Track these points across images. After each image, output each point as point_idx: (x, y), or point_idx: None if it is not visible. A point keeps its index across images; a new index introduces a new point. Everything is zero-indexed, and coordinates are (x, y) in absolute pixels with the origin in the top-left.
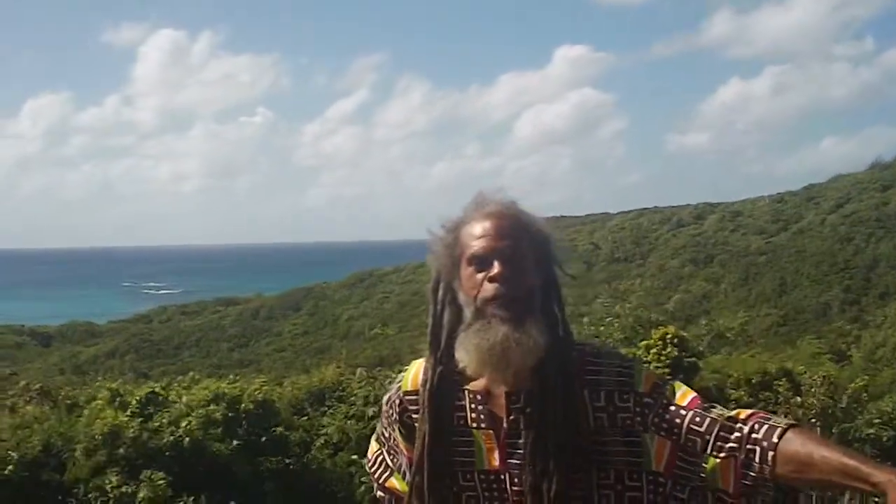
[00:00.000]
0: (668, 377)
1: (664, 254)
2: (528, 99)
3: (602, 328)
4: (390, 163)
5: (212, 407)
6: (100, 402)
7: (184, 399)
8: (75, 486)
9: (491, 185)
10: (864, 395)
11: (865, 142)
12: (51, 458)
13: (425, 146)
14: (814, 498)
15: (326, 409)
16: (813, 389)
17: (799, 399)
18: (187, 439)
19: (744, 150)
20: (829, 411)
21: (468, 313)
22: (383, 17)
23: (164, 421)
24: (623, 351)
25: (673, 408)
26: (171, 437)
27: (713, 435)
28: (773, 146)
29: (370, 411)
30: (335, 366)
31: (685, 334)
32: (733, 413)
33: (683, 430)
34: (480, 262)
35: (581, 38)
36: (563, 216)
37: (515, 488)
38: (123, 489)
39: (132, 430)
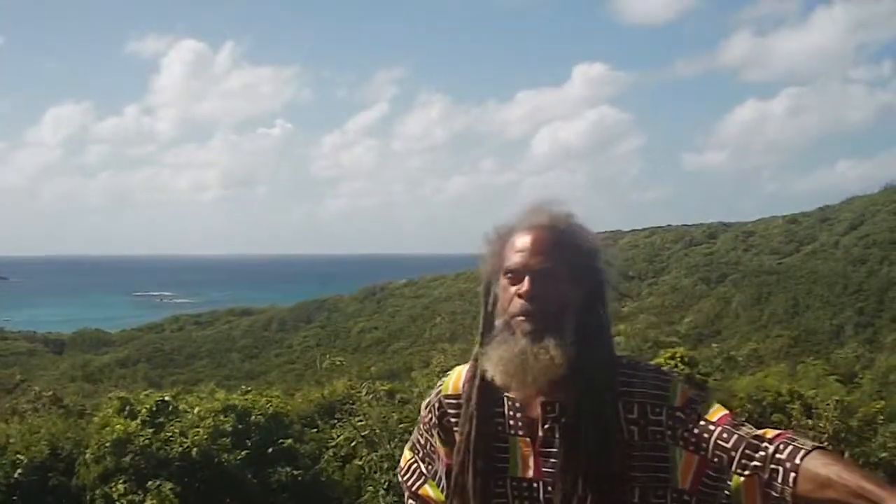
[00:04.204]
0: (705, 395)
1: (676, 272)
2: (546, 116)
3: None
4: (407, 176)
5: (221, 417)
6: (109, 409)
7: (195, 409)
8: (82, 493)
9: (547, 194)
10: (881, 418)
11: (881, 164)
12: (59, 463)
13: (442, 160)
14: None
15: (336, 421)
16: (826, 413)
17: (810, 422)
18: (195, 449)
19: (759, 170)
20: (842, 435)
21: (499, 324)
22: (404, 31)
23: (175, 431)
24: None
25: (702, 423)
26: (180, 448)
27: (739, 452)
28: (788, 167)
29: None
30: (346, 379)
31: (695, 354)
32: (760, 432)
33: (710, 446)
34: (513, 275)
35: (600, 57)
36: None
37: (548, 497)
38: (131, 497)
39: (143, 439)
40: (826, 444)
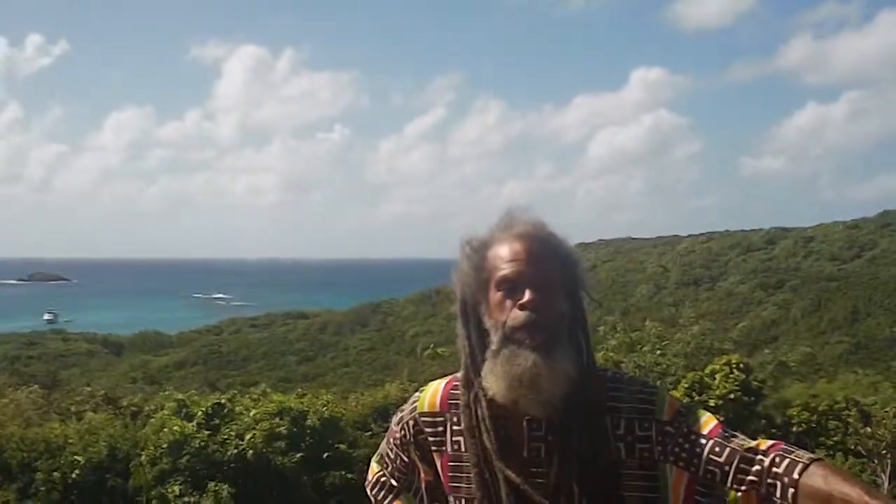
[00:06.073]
0: (694, 404)
1: (734, 278)
2: (603, 120)
3: (662, 354)
4: (462, 181)
5: (276, 420)
6: (166, 411)
7: (251, 413)
8: (139, 493)
9: (520, 204)
10: None
11: None
12: (116, 464)
13: (497, 165)
14: None
15: (390, 425)
16: (885, 421)
17: (869, 430)
18: (251, 452)
19: (818, 175)
20: None
21: (495, 339)
22: (462, 37)
23: (230, 433)
24: (689, 375)
25: (693, 437)
26: (236, 450)
27: (733, 466)
28: (849, 172)
29: None
30: (398, 383)
31: (750, 361)
32: (754, 444)
33: (703, 461)
34: (510, 286)
35: (658, 61)
36: (632, 238)
37: None
38: (186, 499)
39: (199, 441)
40: (885, 452)
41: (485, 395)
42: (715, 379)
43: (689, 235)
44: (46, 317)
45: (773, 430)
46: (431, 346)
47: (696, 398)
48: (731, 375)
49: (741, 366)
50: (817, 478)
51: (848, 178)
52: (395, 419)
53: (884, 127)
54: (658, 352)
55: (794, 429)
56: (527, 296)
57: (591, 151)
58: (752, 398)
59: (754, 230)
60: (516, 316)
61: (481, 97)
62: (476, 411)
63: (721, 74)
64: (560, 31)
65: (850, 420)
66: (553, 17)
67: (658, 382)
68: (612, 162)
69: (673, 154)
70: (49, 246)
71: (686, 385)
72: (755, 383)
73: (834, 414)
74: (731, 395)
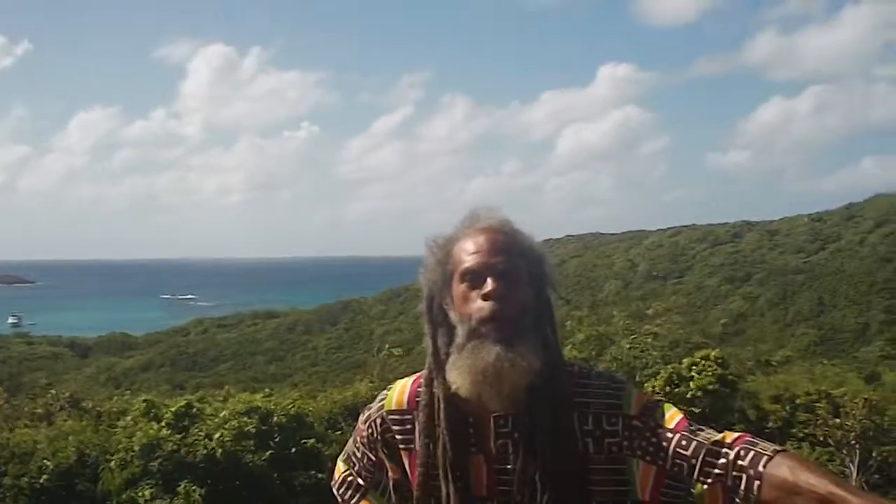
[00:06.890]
0: (661, 399)
1: (701, 272)
2: (570, 116)
3: (634, 348)
4: (430, 178)
5: (244, 419)
6: (135, 413)
7: (221, 413)
8: (108, 498)
9: (487, 203)
10: None
11: None
12: (85, 469)
13: (466, 162)
14: None
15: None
16: (854, 412)
17: (838, 420)
18: (220, 451)
19: (784, 168)
20: (870, 433)
21: (461, 332)
22: (429, 34)
23: (199, 434)
24: (668, 368)
25: (660, 431)
26: (205, 450)
27: (699, 460)
28: (813, 165)
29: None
30: (368, 380)
31: (724, 355)
32: (720, 437)
33: (670, 455)
34: (474, 277)
35: (625, 57)
36: (600, 233)
37: None
38: (157, 502)
39: (171, 444)
40: (854, 443)
41: (445, 395)
42: (692, 371)
43: (657, 230)
44: (10, 320)
45: (747, 424)
46: (387, 346)
47: (674, 390)
48: (708, 370)
49: (719, 361)
50: (783, 468)
51: (812, 171)
52: (361, 417)
53: (847, 120)
54: (629, 346)
55: (770, 424)
56: (489, 285)
57: (559, 147)
58: (729, 391)
59: (720, 224)
60: (482, 307)
61: (448, 94)
62: (437, 411)
63: (688, 70)
64: (528, 27)
65: (820, 412)
66: (518, 11)
67: (636, 375)
68: (579, 158)
69: (640, 149)
70: (14, 248)
71: (664, 376)
72: (731, 377)
73: (805, 406)
74: (710, 387)
